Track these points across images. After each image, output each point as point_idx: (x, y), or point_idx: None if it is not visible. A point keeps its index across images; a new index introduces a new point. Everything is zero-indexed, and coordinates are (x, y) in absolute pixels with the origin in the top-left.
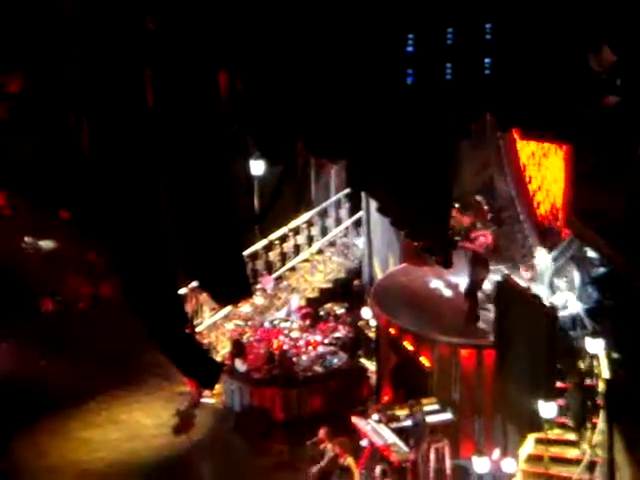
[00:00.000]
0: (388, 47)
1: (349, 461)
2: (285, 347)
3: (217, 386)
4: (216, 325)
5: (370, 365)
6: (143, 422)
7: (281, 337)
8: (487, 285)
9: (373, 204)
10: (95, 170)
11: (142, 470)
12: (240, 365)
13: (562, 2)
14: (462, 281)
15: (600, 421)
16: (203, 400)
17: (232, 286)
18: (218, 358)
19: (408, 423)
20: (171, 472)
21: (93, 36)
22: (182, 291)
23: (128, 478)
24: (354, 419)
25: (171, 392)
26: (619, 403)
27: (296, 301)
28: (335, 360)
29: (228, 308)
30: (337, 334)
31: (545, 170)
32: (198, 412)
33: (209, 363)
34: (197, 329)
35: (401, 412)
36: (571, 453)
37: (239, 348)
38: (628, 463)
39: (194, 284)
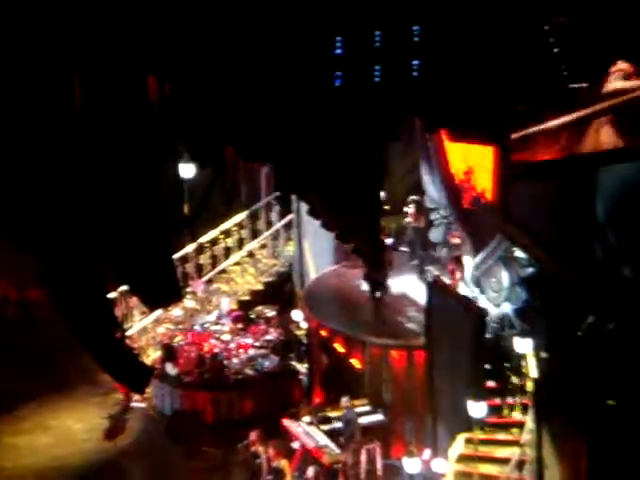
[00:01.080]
0: (316, 49)
1: (282, 463)
2: (216, 350)
3: (147, 390)
4: (146, 329)
5: (301, 367)
6: (73, 427)
7: (212, 340)
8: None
9: (304, 207)
10: (20, 174)
11: (72, 476)
12: (171, 369)
13: (490, 3)
14: (394, 283)
15: (529, 420)
16: (134, 404)
17: (162, 289)
18: (148, 362)
19: (339, 424)
20: (102, 477)
21: (16, 39)
22: (111, 295)
23: None
24: (286, 421)
25: (101, 397)
26: (547, 402)
27: (227, 304)
28: (266, 363)
29: (158, 312)
30: (268, 337)
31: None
32: (129, 416)
33: (139, 367)
34: (127, 333)
35: (333, 413)
36: (500, 452)
37: (170, 352)
38: (556, 461)
39: (124, 288)
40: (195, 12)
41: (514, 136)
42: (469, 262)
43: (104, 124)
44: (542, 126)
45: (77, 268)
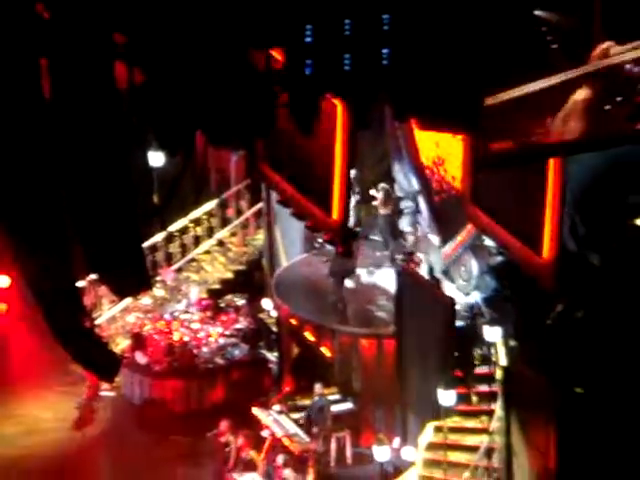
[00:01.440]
0: (286, 38)
1: (252, 454)
2: (186, 339)
3: (117, 379)
4: (115, 318)
5: (271, 356)
6: (41, 416)
7: (181, 329)
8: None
9: (274, 195)
10: None
11: (40, 465)
12: (140, 357)
13: None
14: (363, 272)
15: (498, 408)
16: (103, 393)
17: (131, 278)
18: (118, 351)
19: (312, 410)
20: (70, 466)
21: None
22: (80, 284)
23: (26, 474)
24: (255, 410)
25: (70, 386)
26: (516, 390)
27: (196, 293)
28: (236, 351)
29: (128, 300)
30: (238, 325)
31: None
32: (98, 405)
33: (108, 356)
34: (96, 322)
35: (303, 402)
36: (470, 440)
37: (139, 340)
38: (525, 449)
39: (93, 276)
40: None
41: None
42: (436, 251)
43: (73, 113)
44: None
45: (46, 256)
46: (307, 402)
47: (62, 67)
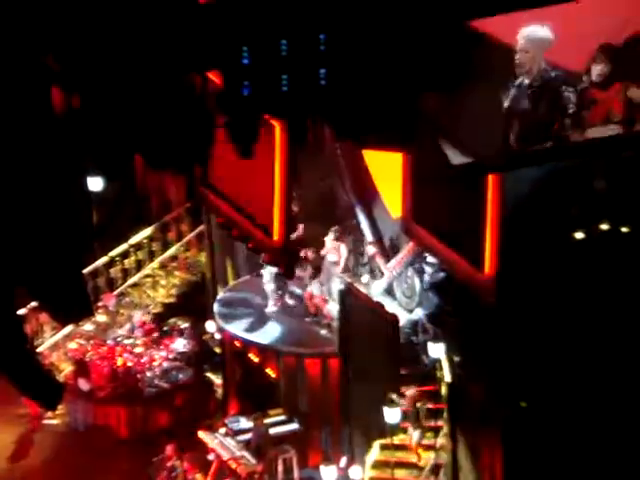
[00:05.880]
0: (222, 60)
1: (197, 477)
2: (129, 364)
3: (60, 406)
4: (57, 345)
5: (216, 379)
6: None
7: (125, 354)
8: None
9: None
10: None
11: None
12: (83, 384)
13: (394, 11)
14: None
15: (443, 424)
16: (46, 421)
17: (72, 305)
18: (60, 378)
19: (249, 435)
20: None
21: None
22: (21, 311)
23: None
24: (201, 433)
25: (11, 414)
26: (461, 406)
27: (139, 317)
28: (180, 375)
29: (70, 327)
30: (182, 349)
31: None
32: (41, 433)
33: (51, 383)
34: (38, 349)
35: (247, 425)
36: (416, 457)
37: (82, 367)
38: (471, 465)
39: (34, 304)
40: (102, 22)
41: None
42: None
43: (8, 137)
44: None
45: None
46: (249, 425)
47: None
